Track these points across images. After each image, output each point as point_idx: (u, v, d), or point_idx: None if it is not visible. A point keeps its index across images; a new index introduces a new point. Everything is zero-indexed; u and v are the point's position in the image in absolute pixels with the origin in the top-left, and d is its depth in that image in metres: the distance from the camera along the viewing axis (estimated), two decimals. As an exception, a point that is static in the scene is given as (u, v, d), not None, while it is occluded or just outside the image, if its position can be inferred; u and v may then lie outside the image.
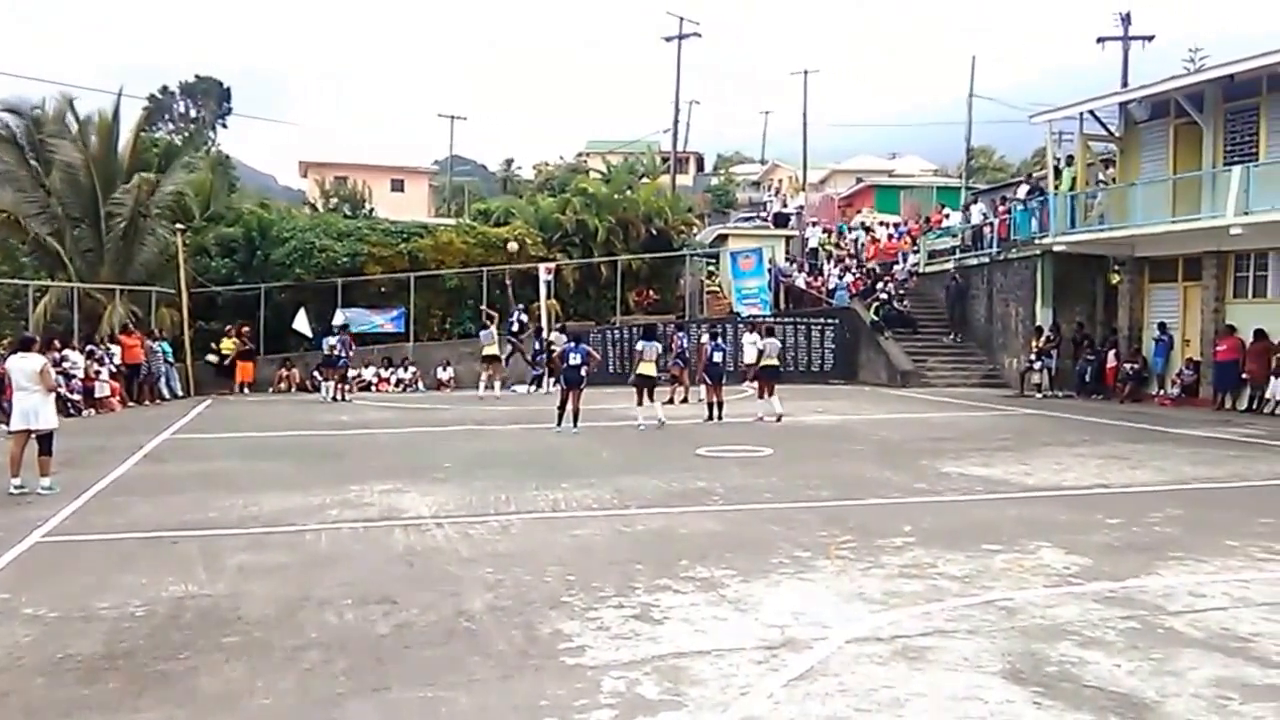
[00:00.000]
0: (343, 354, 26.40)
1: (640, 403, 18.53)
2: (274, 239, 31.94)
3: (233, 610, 6.94)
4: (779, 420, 19.43)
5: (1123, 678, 5.49)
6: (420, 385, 30.29)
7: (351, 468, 14.01)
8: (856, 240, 41.52)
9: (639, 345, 19.18)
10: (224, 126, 69.16)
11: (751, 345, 24.27)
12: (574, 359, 18.06)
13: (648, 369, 18.66)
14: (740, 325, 30.21)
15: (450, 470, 13.61)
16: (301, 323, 30.04)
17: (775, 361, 20.41)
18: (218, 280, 31.24)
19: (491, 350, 26.56)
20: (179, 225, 29.92)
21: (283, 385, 29.89)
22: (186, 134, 57.44)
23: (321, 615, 6.80)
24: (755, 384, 19.46)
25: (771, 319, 31.48)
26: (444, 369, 30.62)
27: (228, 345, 29.40)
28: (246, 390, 29.18)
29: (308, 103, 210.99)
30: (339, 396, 25.90)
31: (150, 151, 33.28)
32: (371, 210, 43.24)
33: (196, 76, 71.04)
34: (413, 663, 5.83)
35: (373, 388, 30.04)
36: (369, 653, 6.00)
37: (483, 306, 29.32)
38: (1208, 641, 6.11)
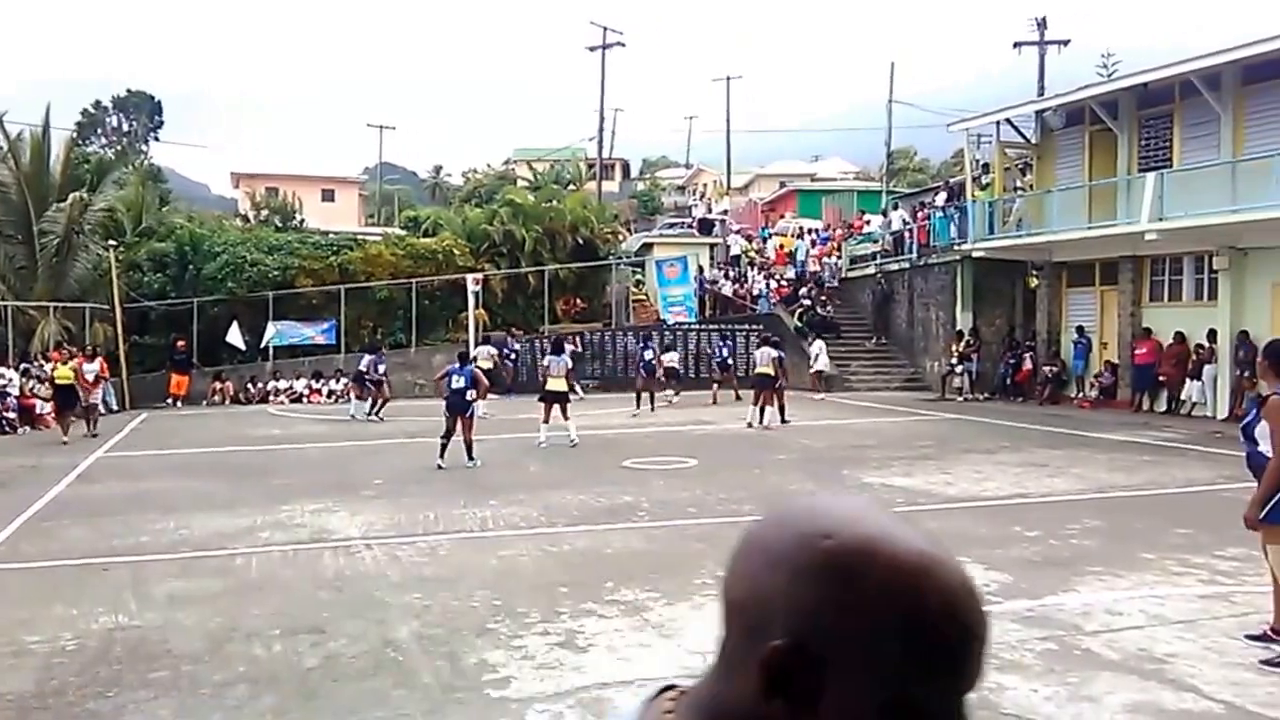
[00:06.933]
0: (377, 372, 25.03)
1: (546, 419, 17.87)
2: (206, 254, 31.86)
3: (161, 644, 6.95)
4: (750, 426, 19.72)
5: (1039, 704, 5.55)
6: (352, 397, 30.03)
7: (282, 485, 13.96)
8: (793, 251, 41.76)
9: (545, 360, 18.84)
10: (156, 140, 68.34)
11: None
12: (458, 382, 15.67)
13: (556, 384, 17.97)
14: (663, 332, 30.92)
15: (380, 487, 13.65)
16: (234, 336, 30.10)
17: (767, 369, 20.25)
18: (150, 295, 31.01)
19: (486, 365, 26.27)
20: (111, 241, 29.89)
21: (216, 398, 29.73)
22: (119, 148, 56.88)
23: (250, 647, 6.83)
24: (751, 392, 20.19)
25: (698, 325, 31.95)
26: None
27: (64, 373, 21.91)
28: (180, 404, 28.94)
29: (238, 115, 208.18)
30: (378, 414, 24.09)
31: (82, 167, 33.30)
32: (302, 221, 42.92)
33: (128, 91, 70.24)
34: (339, 697, 5.90)
35: (304, 400, 29.82)
36: (296, 687, 6.06)
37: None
38: (1124, 663, 6.20)
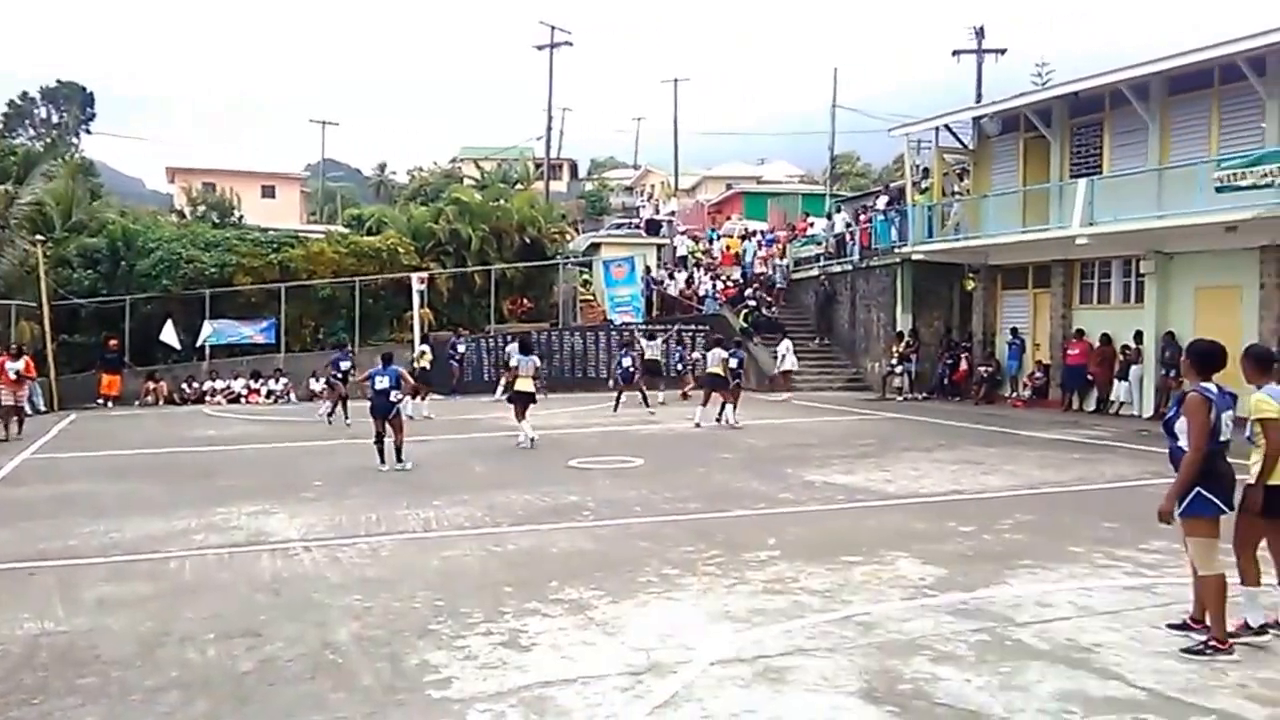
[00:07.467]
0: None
1: (520, 418, 17.76)
2: (139, 250, 31.35)
3: (90, 649, 6.78)
4: (698, 426, 20.09)
5: (972, 694, 5.65)
6: (292, 397, 29.77)
7: (219, 487, 13.74)
8: (741, 252, 41.92)
9: (514, 360, 18.76)
10: (88, 132, 66.37)
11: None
12: (381, 382, 15.12)
13: (525, 385, 17.81)
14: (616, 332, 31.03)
15: (321, 489, 13.48)
16: (169, 334, 29.70)
17: (717, 370, 20.85)
18: (81, 292, 30.33)
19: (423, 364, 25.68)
20: (39, 236, 29.28)
21: (149, 398, 29.23)
22: (48, 140, 55.46)
23: (183, 652, 6.68)
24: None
25: (644, 325, 31.95)
26: (316, 380, 30.10)
27: None
28: (111, 404, 28.42)
29: (174, 109, 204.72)
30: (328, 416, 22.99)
31: (8, 159, 32.47)
32: (241, 217, 42.31)
33: (58, 81, 68.10)
34: (276, 701, 5.79)
35: (242, 400, 29.43)
36: (231, 692, 5.94)
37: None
38: (1053, 653, 6.33)
